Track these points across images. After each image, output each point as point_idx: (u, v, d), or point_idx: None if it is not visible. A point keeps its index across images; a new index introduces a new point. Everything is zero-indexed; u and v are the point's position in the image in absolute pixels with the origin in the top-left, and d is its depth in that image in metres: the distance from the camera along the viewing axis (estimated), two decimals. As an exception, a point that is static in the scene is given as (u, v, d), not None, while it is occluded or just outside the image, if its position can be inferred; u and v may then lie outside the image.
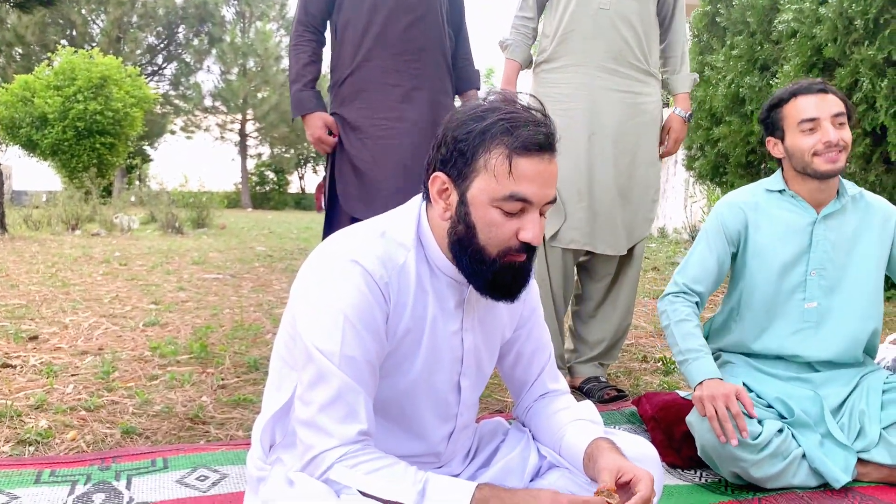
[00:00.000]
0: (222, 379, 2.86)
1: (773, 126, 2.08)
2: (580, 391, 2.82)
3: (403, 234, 1.35)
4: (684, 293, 2.11)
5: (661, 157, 2.82)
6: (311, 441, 1.24)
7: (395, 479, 1.18)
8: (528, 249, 1.28)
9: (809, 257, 2.04)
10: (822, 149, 1.96)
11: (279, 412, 1.37)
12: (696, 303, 2.12)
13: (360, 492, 1.17)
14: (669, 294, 2.14)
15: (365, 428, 1.23)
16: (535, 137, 1.24)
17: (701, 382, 1.93)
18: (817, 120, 1.97)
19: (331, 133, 2.57)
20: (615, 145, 2.67)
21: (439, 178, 1.30)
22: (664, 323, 2.11)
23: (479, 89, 2.81)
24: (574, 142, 2.65)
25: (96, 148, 16.04)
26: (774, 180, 2.12)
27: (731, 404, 1.85)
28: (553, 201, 1.28)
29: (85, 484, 1.86)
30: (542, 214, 1.28)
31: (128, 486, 1.85)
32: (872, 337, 2.11)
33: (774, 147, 2.09)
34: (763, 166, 6.34)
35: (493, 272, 1.28)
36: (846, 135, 1.99)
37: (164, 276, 5.78)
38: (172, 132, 29.31)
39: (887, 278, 5.27)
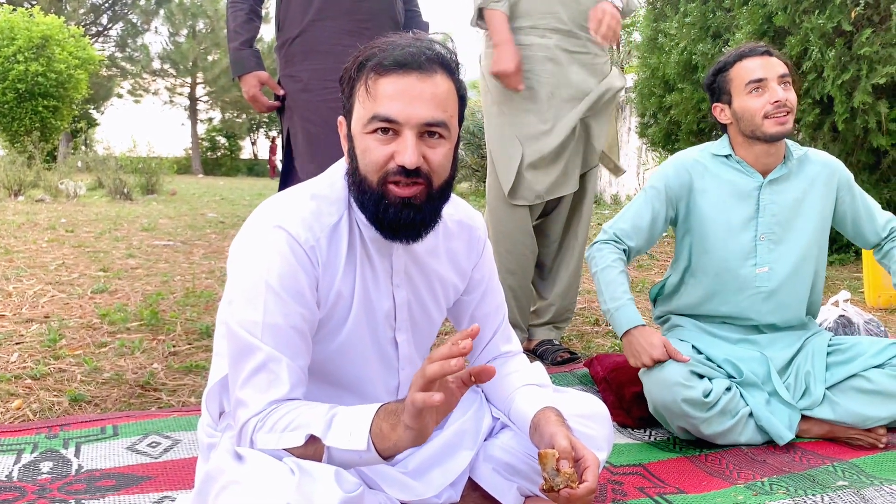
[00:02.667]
0: (174, 346, 2.82)
1: (719, 90, 2.09)
2: (534, 354, 2.85)
3: (334, 191, 1.33)
4: (613, 241, 2.13)
5: (598, 43, 2.68)
6: (238, 413, 1.24)
7: (304, 420, 1.17)
8: (412, 175, 1.22)
9: (758, 222, 2.07)
10: (771, 109, 1.98)
11: (224, 379, 1.36)
12: (625, 250, 2.13)
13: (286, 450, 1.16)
14: (598, 242, 2.15)
15: (285, 391, 1.21)
16: (396, 55, 1.20)
17: (627, 331, 1.99)
18: (765, 80, 1.99)
19: (277, 97, 2.51)
20: (574, 105, 2.68)
21: (342, 123, 1.31)
22: (592, 270, 2.13)
23: None
24: (534, 103, 2.65)
25: (39, 111, 15.48)
26: (720, 145, 2.14)
27: (655, 355, 1.93)
28: (436, 125, 1.22)
29: (31, 452, 1.82)
30: (429, 139, 1.23)
31: (76, 454, 1.82)
32: (815, 297, 2.18)
33: (721, 113, 2.10)
34: (714, 134, 6.42)
35: (375, 203, 1.25)
36: (792, 96, 2.01)
37: (113, 242, 5.65)
38: (119, 96, 28.46)
39: (831, 241, 5.43)
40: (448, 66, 1.25)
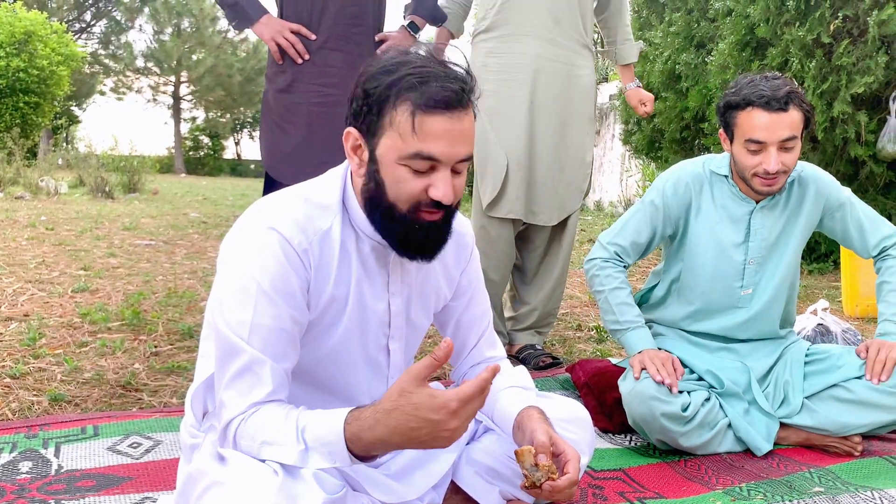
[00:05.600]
0: (155, 346, 2.81)
1: (725, 123, 2.02)
2: (517, 359, 2.87)
3: (328, 197, 1.33)
4: (615, 259, 2.15)
5: (644, 115, 2.99)
6: (221, 413, 1.24)
7: (279, 443, 1.17)
8: (442, 207, 1.25)
9: (748, 247, 2.08)
10: (761, 172, 1.95)
11: (209, 380, 1.36)
12: (625, 267, 2.16)
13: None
14: (598, 258, 2.15)
15: (267, 392, 1.21)
16: (442, 94, 1.19)
17: (640, 351, 2.03)
18: (764, 144, 1.92)
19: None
20: (552, 116, 2.69)
21: (352, 134, 1.28)
22: (597, 288, 2.14)
23: (433, 21, 2.65)
24: (514, 111, 2.66)
25: (20, 107, 15.28)
26: (721, 162, 2.11)
27: (668, 366, 1.97)
28: (467, 159, 1.25)
29: (10, 452, 1.81)
30: (457, 172, 1.25)
31: (56, 454, 1.81)
32: (790, 307, 2.21)
33: (724, 142, 2.06)
34: (696, 142, 6.48)
35: (404, 229, 1.26)
36: (790, 159, 1.94)
37: (94, 241, 5.60)
38: (102, 93, 28.18)
39: (810, 251, 5.49)
40: (472, 99, 1.25)
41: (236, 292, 1.24)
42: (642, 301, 2.31)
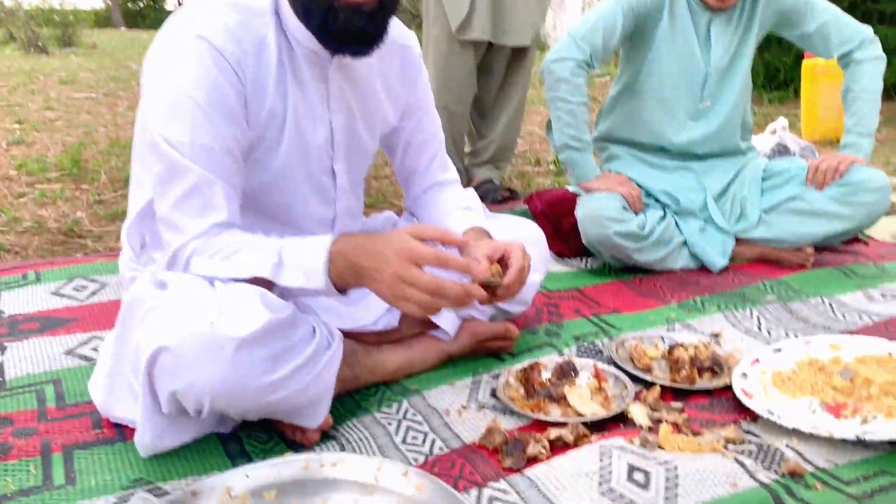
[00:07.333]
0: (99, 194, 2.70)
1: None
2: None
3: (260, 3, 1.20)
4: (586, 65, 1.98)
5: None
6: (168, 238, 1.16)
7: (251, 256, 1.12)
8: None
9: (710, 57, 2.01)
10: None
11: (144, 211, 1.28)
12: (589, 66, 2.01)
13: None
14: (571, 61, 1.96)
15: (223, 218, 1.14)
16: None
17: (598, 176, 2.01)
18: None
19: None
20: None
21: None
22: (562, 96, 1.97)
23: None
24: None
25: (-66, -43, 14.06)
26: None
27: (631, 185, 1.98)
28: None
29: (-52, 300, 1.74)
30: None
31: (-3, 300, 1.74)
32: (747, 117, 2.16)
33: None
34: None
35: (323, 11, 1.14)
36: None
37: (28, 96, 5.30)
38: (25, -60, 25.98)
39: (770, 79, 5.42)
40: None
41: (169, 109, 1.13)
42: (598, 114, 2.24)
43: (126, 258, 1.39)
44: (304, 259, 1.10)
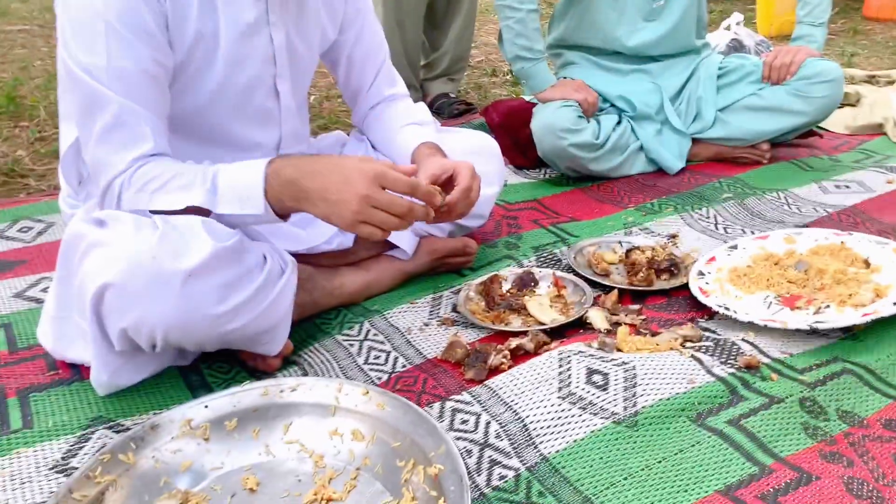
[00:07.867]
0: (39, 131, 2.58)
1: None
2: (431, 109, 2.76)
3: None
4: None
5: None
6: (96, 173, 1.11)
7: (183, 186, 1.08)
8: None
9: None
10: None
11: (76, 144, 1.22)
12: None
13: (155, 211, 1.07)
14: None
15: (150, 148, 1.09)
16: None
17: (554, 85, 1.96)
18: None
19: None
20: None
21: None
22: (510, 3, 1.91)
23: None
24: None
25: None
26: None
27: (588, 90, 1.95)
28: None
29: None
30: None
31: (-62, 247, 1.68)
32: (702, 13, 2.11)
33: None
34: None
35: None
36: None
37: (-43, 31, 5.01)
38: None
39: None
40: None
41: (81, 32, 1.06)
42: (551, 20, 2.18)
43: (65, 195, 1.34)
44: (239, 183, 1.07)
